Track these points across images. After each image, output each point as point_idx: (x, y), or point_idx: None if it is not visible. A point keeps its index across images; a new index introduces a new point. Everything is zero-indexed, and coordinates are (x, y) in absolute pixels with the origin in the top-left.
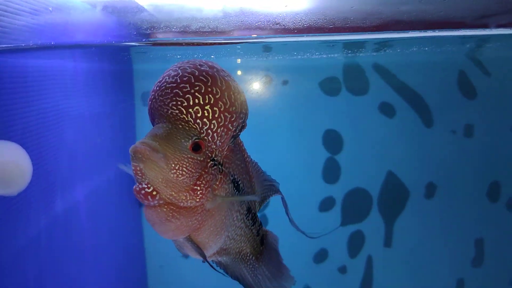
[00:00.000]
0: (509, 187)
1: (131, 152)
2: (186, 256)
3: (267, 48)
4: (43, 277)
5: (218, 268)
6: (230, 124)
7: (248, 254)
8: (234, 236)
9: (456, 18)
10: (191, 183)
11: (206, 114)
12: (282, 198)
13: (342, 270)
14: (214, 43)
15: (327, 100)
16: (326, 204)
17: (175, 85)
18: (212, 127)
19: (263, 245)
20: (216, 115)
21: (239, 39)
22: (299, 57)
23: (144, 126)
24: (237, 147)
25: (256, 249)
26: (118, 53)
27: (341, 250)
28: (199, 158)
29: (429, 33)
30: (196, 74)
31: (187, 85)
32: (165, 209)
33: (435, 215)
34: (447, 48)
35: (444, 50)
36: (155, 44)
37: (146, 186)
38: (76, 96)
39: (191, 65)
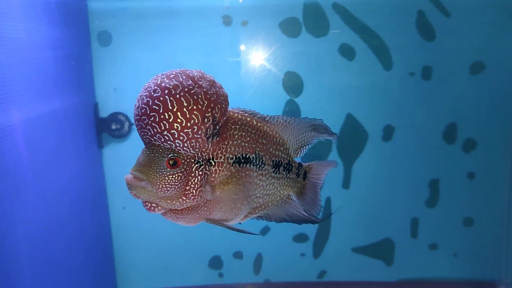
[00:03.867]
0: (465, 129)
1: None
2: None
3: None
4: None
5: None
6: (195, 134)
7: (291, 196)
8: (267, 192)
9: None
10: (181, 191)
11: (167, 138)
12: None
13: None
14: None
15: (287, 41)
16: None
17: (138, 117)
18: (178, 144)
19: (305, 179)
20: (176, 135)
21: None
22: None
23: (101, 67)
24: (233, 127)
25: (299, 187)
26: None
27: None
28: (179, 171)
29: None
30: (150, 103)
31: (145, 117)
32: (169, 215)
33: (392, 157)
34: None
35: None
36: None
37: (145, 204)
38: (10, 20)
39: (147, 93)
